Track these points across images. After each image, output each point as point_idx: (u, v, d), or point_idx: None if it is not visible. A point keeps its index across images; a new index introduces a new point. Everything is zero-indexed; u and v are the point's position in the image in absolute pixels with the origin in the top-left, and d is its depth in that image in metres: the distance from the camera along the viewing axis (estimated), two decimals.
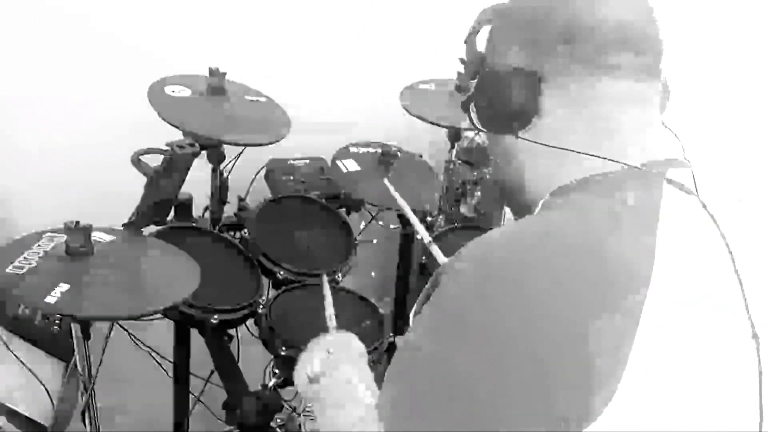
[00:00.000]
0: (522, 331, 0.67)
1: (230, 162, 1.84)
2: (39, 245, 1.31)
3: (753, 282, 0.73)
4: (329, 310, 1.22)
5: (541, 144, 0.83)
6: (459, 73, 2.11)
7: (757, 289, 0.74)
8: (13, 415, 1.48)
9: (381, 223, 2.15)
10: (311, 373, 0.98)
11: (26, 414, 1.50)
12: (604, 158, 0.79)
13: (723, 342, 0.73)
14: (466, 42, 0.91)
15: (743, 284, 0.73)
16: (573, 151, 0.81)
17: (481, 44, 0.91)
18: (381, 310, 1.73)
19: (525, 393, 0.67)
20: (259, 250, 1.74)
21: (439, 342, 0.71)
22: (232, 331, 1.69)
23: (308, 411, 1.52)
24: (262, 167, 2.10)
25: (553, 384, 0.66)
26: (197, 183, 1.72)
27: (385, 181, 1.66)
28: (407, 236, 2.14)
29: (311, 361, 1.00)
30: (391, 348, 1.68)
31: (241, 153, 1.85)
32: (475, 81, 0.88)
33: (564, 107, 0.81)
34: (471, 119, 0.89)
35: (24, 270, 1.24)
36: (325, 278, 1.36)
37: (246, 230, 1.79)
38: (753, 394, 0.73)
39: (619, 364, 0.66)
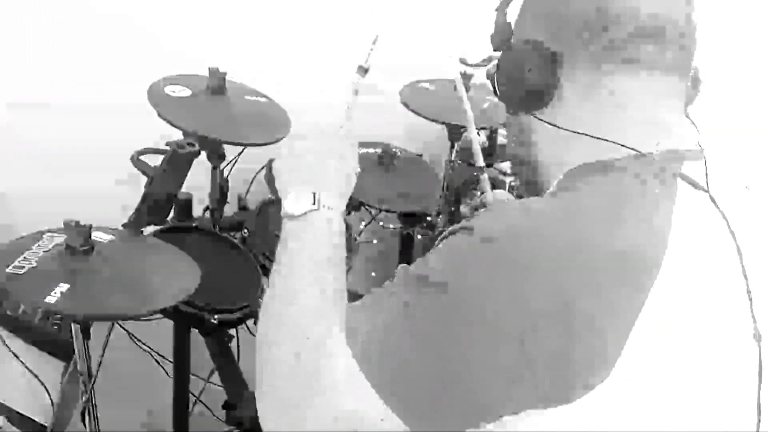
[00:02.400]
0: (517, 306, 0.67)
1: (230, 162, 1.84)
2: (39, 245, 1.31)
3: (759, 281, 0.73)
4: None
5: (555, 126, 0.82)
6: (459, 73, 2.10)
7: (763, 288, 0.74)
8: (13, 415, 1.48)
9: (381, 223, 2.15)
10: (290, 211, 0.87)
11: (26, 414, 1.50)
12: (621, 145, 0.78)
13: (724, 339, 0.73)
14: (497, 10, 0.89)
15: (749, 283, 0.73)
16: (585, 135, 0.80)
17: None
18: None
19: (506, 365, 0.67)
20: (259, 250, 1.74)
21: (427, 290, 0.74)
22: (232, 331, 1.69)
23: None
24: (262, 167, 2.09)
25: (537, 361, 0.66)
26: (197, 183, 1.72)
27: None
28: (407, 236, 2.14)
29: (294, 194, 0.88)
30: None
31: (241, 153, 1.85)
32: (500, 53, 0.87)
33: (579, 93, 0.81)
34: (495, 93, 0.88)
35: (24, 270, 1.23)
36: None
37: (246, 230, 1.79)
38: (752, 392, 0.73)
39: (613, 351, 0.66)
